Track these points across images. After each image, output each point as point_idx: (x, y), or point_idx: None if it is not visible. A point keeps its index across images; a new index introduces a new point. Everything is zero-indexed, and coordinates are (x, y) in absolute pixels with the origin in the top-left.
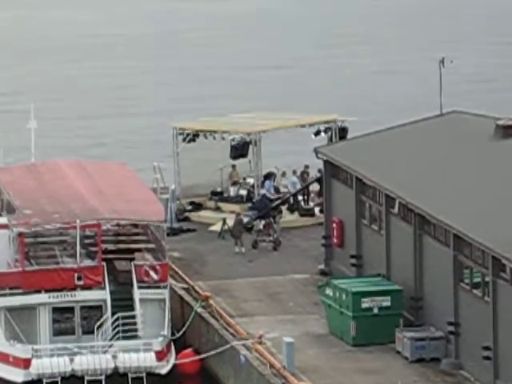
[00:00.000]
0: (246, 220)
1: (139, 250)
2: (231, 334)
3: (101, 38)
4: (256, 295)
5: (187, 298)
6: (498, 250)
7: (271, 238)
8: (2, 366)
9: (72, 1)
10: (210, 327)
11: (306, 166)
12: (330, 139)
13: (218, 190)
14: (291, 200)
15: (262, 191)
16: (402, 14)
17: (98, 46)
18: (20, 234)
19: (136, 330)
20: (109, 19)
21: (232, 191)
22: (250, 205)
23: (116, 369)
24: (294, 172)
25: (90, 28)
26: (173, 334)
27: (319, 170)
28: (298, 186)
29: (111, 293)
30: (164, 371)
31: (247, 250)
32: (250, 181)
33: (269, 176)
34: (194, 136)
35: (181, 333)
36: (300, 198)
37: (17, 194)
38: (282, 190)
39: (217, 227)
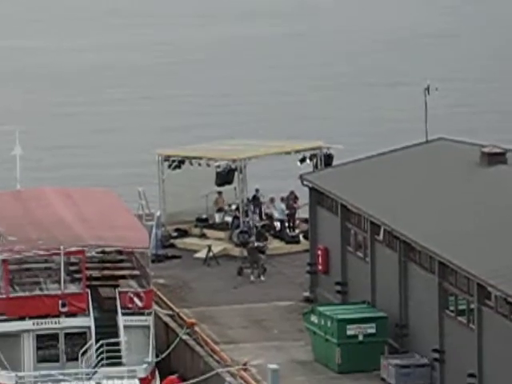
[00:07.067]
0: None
1: (124, 276)
2: (216, 360)
3: (85, 66)
4: (241, 322)
5: (172, 324)
6: (483, 277)
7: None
8: None
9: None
10: (195, 354)
11: (291, 193)
12: (316, 166)
13: (204, 216)
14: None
15: (247, 218)
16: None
17: (84, 73)
18: (4, 261)
19: (120, 357)
20: (81, 48)
21: (217, 218)
22: (238, 231)
23: None
24: (282, 199)
25: (73, 56)
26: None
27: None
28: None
29: (95, 319)
30: None
31: (232, 277)
32: (233, 206)
33: (254, 202)
34: (179, 163)
35: (164, 355)
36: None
37: (1, 221)
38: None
39: (202, 254)
